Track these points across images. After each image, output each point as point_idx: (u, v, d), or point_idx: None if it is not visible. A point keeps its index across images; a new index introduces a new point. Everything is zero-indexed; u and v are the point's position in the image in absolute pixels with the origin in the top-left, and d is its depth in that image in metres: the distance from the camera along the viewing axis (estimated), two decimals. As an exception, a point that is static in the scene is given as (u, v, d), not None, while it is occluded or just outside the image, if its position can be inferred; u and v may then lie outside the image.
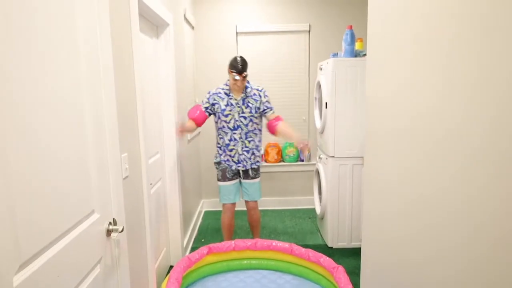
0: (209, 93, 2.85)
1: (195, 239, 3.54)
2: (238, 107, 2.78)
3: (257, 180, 2.99)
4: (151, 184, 2.31)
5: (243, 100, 2.79)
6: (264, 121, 2.95)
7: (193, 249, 3.27)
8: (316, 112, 3.56)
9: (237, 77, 2.68)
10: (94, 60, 1.34)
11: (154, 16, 2.34)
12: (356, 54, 3.07)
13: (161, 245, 2.66)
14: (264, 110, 2.82)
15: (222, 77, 3.98)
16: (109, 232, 1.45)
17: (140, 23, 2.19)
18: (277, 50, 4.16)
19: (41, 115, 0.98)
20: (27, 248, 0.90)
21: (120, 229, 1.48)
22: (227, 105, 2.78)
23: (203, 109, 2.82)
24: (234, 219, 3.06)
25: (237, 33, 4.10)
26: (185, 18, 3.38)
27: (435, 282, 0.99)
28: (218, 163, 2.94)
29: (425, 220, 1.05)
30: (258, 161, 2.96)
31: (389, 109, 1.34)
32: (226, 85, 2.82)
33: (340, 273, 2.28)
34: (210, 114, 2.86)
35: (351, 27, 3.06)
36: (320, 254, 2.52)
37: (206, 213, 4.27)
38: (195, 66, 4.05)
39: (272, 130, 2.86)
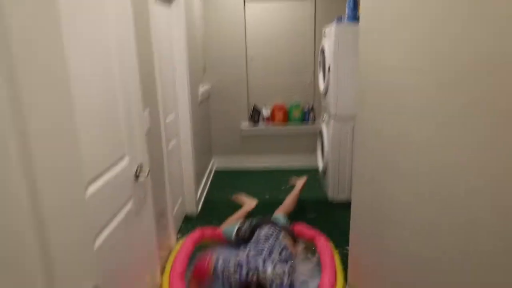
0: None
1: (207, 192, 3.86)
2: None
3: None
4: (168, 139, 2.57)
5: None
6: None
7: (206, 200, 3.60)
8: (320, 76, 3.74)
9: None
10: (120, 26, 1.57)
11: (167, -17, 2.51)
12: (358, 19, 3.20)
13: (177, 195, 2.97)
14: None
15: (231, 44, 4.15)
16: (137, 175, 1.73)
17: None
18: (283, 17, 4.27)
19: (88, 80, 1.23)
20: (88, 173, 1.22)
21: (146, 173, 1.76)
22: None
23: None
24: None
25: (244, 1, 4.21)
26: (195, -16, 3.51)
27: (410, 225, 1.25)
28: None
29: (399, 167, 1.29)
30: None
31: (376, 68, 1.56)
32: None
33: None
34: None
35: (354, -8, 3.17)
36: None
37: (216, 172, 4.56)
38: (205, 33, 4.21)
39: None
